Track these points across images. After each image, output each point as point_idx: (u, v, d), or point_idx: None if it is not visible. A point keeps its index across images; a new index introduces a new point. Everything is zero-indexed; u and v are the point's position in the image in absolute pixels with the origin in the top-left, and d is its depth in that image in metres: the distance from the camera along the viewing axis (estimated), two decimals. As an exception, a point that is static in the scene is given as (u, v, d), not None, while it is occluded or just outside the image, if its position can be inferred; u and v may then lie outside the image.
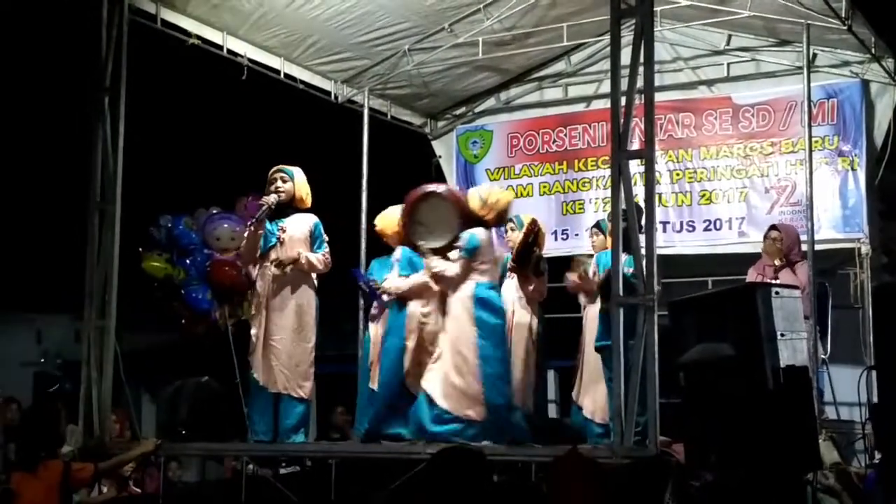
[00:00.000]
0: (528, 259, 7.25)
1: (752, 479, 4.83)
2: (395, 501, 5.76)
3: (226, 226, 8.07)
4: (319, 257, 6.98)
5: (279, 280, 6.89)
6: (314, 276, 7.03)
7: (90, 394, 6.95)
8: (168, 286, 8.07)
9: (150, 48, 8.05)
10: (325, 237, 7.07)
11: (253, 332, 6.96)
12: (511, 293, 7.33)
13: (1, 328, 14.29)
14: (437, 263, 6.77)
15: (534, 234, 7.20)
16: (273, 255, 6.90)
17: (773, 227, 8.06)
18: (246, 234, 7.01)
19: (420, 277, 6.96)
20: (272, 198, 6.90)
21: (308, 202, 7.08)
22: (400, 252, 7.17)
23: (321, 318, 7.06)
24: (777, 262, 7.82)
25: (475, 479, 3.73)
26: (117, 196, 7.13)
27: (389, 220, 7.35)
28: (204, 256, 7.93)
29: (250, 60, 8.70)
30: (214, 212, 8.32)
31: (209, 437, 7.14)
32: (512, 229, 7.42)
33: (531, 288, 7.33)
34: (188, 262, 7.93)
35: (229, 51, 8.52)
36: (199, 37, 8.20)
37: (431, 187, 7.10)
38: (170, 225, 8.09)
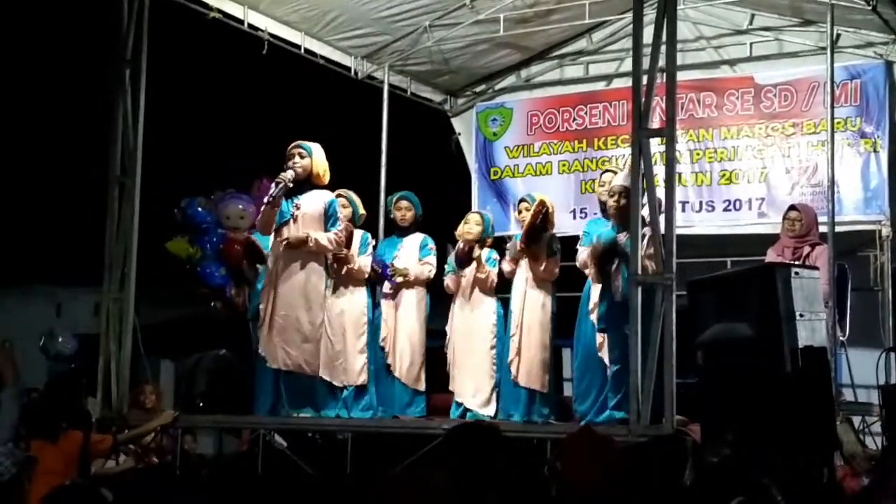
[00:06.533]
0: (538, 239, 7.20)
1: (769, 454, 4.82)
2: (411, 476, 5.77)
3: (237, 206, 8.12)
4: (331, 237, 6.94)
5: (289, 256, 6.89)
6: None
7: (108, 366, 7.01)
8: (190, 265, 8.16)
9: (171, 21, 8.04)
10: (341, 215, 7.06)
11: (261, 306, 6.96)
12: (522, 273, 7.30)
13: (21, 301, 14.36)
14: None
15: (542, 215, 7.15)
16: (285, 232, 6.90)
17: (792, 207, 7.98)
18: (262, 209, 6.98)
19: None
20: (289, 174, 6.85)
21: (325, 179, 7.05)
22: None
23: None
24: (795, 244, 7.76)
25: (490, 454, 3.74)
26: (137, 170, 7.16)
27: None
28: (219, 235, 8.00)
29: (271, 35, 8.67)
30: (230, 192, 8.38)
31: (226, 410, 7.18)
32: (527, 209, 7.37)
33: (541, 268, 7.26)
34: (205, 240, 8.01)
35: (250, 25, 8.49)
36: (219, 10, 8.16)
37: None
38: (186, 206, 8.17)
